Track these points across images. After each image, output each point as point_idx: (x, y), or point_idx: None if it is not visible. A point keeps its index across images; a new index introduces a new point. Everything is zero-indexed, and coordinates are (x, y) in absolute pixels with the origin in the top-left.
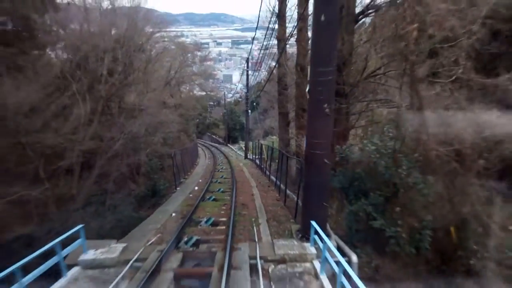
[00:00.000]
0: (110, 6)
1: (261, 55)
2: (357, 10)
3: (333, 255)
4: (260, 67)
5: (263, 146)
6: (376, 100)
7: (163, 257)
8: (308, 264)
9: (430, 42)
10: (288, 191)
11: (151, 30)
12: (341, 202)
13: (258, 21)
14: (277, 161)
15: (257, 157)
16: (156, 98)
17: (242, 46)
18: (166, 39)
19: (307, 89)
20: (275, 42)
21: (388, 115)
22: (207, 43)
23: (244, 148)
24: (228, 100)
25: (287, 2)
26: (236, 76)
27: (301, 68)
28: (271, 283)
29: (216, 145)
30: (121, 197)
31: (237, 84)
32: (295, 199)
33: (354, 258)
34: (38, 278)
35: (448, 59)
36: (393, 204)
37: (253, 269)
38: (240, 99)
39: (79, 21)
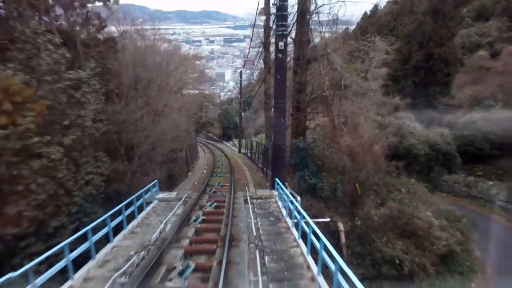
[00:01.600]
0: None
1: (253, 52)
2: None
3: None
4: (253, 72)
5: (254, 142)
6: (318, 112)
7: (200, 195)
8: (273, 199)
9: (349, 80)
10: (268, 172)
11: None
12: (297, 172)
13: (253, 30)
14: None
15: (248, 151)
16: (170, 104)
17: (234, 44)
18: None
19: (272, 110)
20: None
21: (323, 121)
22: (199, 41)
23: (237, 145)
24: (222, 99)
25: (270, 38)
26: (228, 74)
27: None
28: (254, 205)
29: (212, 142)
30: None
31: (229, 82)
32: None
33: (299, 198)
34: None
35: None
36: (321, 171)
37: (245, 200)
38: (234, 103)
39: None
